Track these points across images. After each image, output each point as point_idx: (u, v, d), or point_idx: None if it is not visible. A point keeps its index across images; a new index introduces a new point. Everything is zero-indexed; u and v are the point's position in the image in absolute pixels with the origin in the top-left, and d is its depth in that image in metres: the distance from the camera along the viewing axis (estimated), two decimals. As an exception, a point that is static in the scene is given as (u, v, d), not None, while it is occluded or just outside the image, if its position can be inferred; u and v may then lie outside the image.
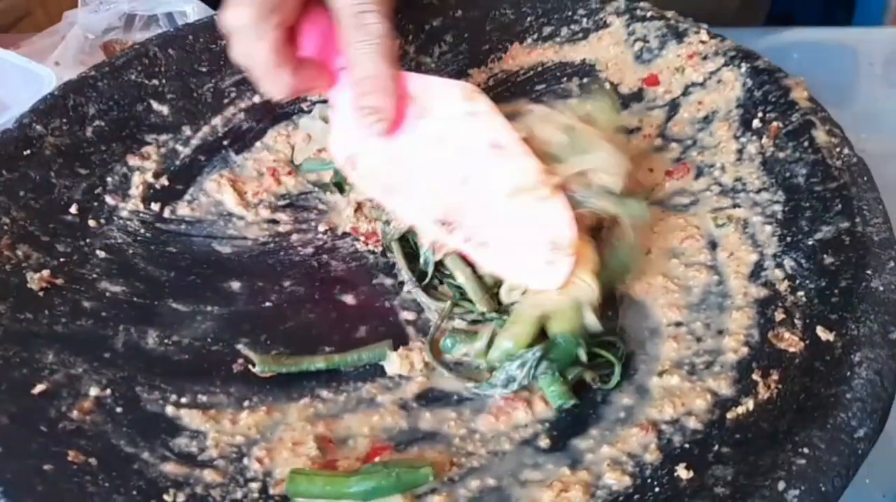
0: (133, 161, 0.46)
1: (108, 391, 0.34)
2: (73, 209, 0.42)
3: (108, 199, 0.44)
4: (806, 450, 0.29)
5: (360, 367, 0.36)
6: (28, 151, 0.43)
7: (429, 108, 0.38)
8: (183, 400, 0.34)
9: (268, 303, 0.40)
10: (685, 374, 0.35)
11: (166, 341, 0.37)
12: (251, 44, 0.36)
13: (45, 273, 0.38)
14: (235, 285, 0.41)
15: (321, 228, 0.44)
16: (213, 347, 0.37)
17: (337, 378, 0.36)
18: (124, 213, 0.44)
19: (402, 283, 0.40)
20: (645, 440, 0.32)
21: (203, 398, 0.35)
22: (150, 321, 0.38)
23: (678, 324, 0.37)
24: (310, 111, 0.51)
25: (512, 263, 0.36)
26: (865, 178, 0.39)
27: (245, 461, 0.32)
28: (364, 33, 0.37)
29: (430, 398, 0.35)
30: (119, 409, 0.34)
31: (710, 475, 0.29)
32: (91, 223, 0.42)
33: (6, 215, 0.40)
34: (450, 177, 0.37)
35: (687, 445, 0.31)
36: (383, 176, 0.38)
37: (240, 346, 0.37)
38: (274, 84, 0.37)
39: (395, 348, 0.37)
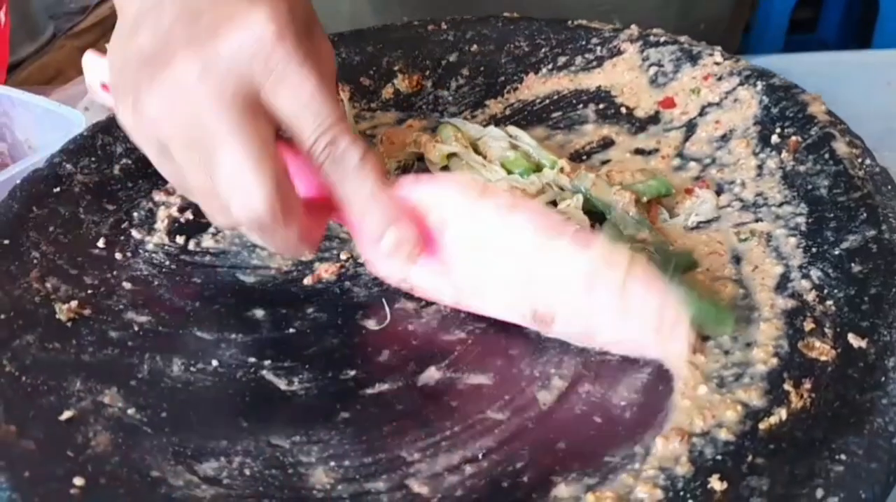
0: (158, 197, 0.47)
1: (135, 417, 0.34)
2: (101, 243, 0.43)
3: (135, 233, 0.45)
4: (843, 457, 0.28)
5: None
6: (58, 189, 0.45)
7: (444, 218, 0.36)
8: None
9: (291, 330, 0.40)
10: (714, 387, 0.34)
11: (191, 368, 0.37)
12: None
13: (73, 304, 0.39)
14: (259, 313, 0.41)
15: (343, 256, 0.44)
16: (237, 373, 0.37)
17: (361, 400, 0.36)
18: (150, 246, 0.44)
19: (423, 306, 0.40)
20: (676, 452, 0.31)
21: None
22: (175, 349, 0.38)
23: (705, 338, 0.37)
24: (330, 145, 0.52)
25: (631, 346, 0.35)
26: (889, 187, 0.39)
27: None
28: (344, 167, 0.34)
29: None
30: (145, 433, 0.34)
31: (746, 486, 0.29)
32: (118, 256, 0.43)
33: (36, 249, 0.41)
34: (512, 274, 0.36)
35: (719, 457, 0.31)
36: (444, 288, 0.38)
37: (264, 372, 0.37)
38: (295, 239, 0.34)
39: (420, 370, 0.37)
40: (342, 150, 0.33)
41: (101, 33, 1.38)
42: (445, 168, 0.47)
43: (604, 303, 0.34)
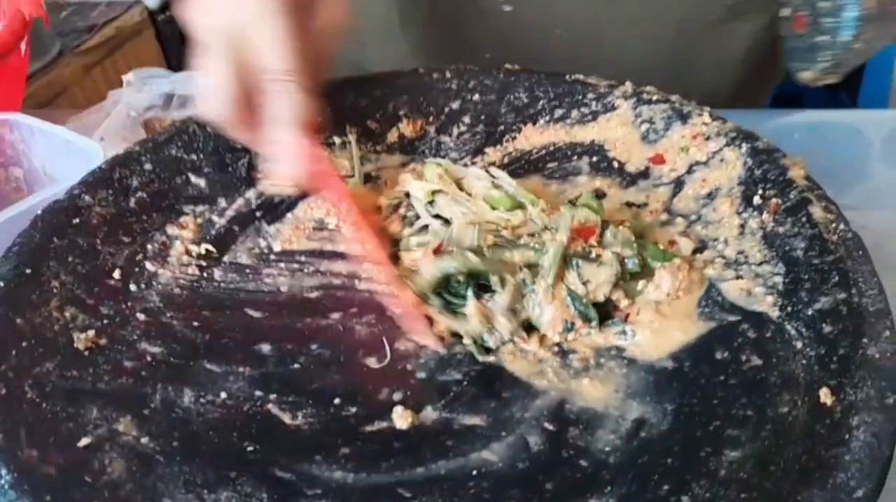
0: (172, 230, 0.50)
1: (148, 445, 0.36)
2: (117, 274, 0.45)
3: (149, 266, 0.47)
4: (808, 509, 0.30)
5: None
6: (77, 220, 0.47)
7: None
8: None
9: (296, 365, 0.42)
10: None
11: (201, 400, 0.40)
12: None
13: (90, 333, 0.41)
14: (266, 348, 0.43)
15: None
16: (244, 406, 0.39)
17: (361, 436, 0.38)
18: (163, 279, 0.47)
19: (422, 347, 0.43)
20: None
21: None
22: (186, 380, 0.41)
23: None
24: (341, 184, 0.55)
25: None
26: (861, 252, 0.42)
27: (277, 513, 0.34)
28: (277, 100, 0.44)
29: (450, 457, 0.37)
30: (158, 461, 0.36)
31: (718, 532, 0.31)
32: (132, 288, 0.45)
33: (56, 279, 0.43)
34: None
35: (695, 504, 0.33)
36: None
37: (270, 406, 0.40)
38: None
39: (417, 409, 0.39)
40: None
41: (107, 52, 1.41)
42: (431, 203, 0.50)
43: None
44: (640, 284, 0.44)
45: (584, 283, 0.42)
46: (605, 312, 0.43)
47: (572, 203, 0.49)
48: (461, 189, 0.50)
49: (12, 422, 0.35)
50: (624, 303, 0.43)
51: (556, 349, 0.42)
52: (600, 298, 0.43)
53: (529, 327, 0.43)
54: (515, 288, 0.43)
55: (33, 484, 0.32)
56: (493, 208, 0.48)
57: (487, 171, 0.51)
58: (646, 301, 0.43)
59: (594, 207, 0.47)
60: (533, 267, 0.44)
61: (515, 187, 0.50)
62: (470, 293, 0.43)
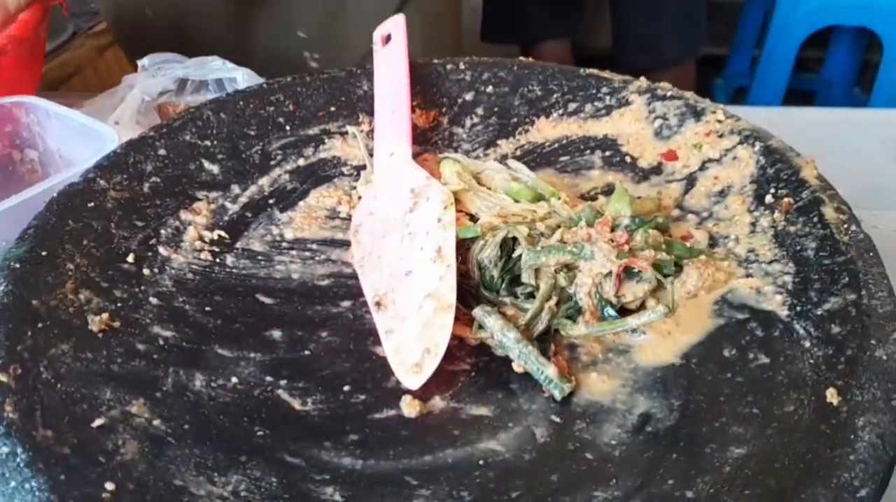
0: (185, 215, 0.50)
1: (160, 427, 0.37)
2: (130, 258, 0.46)
3: (162, 250, 0.47)
4: (812, 507, 0.31)
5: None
6: (92, 204, 0.47)
7: (419, 204, 0.46)
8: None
9: (306, 352, 0.42)
10: (698, 433, 0.37)
11: (212, 384, 0.40)
12: None
13: (104, 316, 0.41)
14: (277, 334, 0.43)
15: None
16: (254, 391, 0.40)
17: (369, 424, 0.38)
18: (175, 264, 0.47)
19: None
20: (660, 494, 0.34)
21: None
22: (197, 364, 0.41)
23: (692, 386, 0.39)
24: (350, 174, 0.55)
25: (395, 356, 0.41)
26: (871, 254, 0.42)
27: (283, 498, 0.34)
28: None
29: (457, 447, 0.37)
30: (170, 443, 0.36)
31: (721, 528, 0.31)
32: (145, 272, 0.46)
33: (71, 262, 0.43)
34: (402, 266, 0.44)
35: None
36: (361, 250, 0.48)
37: (279, 391, 0.40)
38: None
39: (425, 399, 0.39)
40: None
41: (120, 34, 1.41)
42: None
43: (423, 313, 0.43)
44: (667, 281, 0.43)
45: (618, 297, 0.42)
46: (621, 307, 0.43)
47: (592, 199, 0.49)
48: (479, 183, 0.50)
49: (27, 403, 0.35)
50: (651, 303, 0.42)
51: (564, 343, 0.42)
52: (631, 306, 0.43)
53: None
54: (549, 287, 0.42)
55: (48, 464, 0.33)
56: (516, 201, 0.48)
57: (504, 164, 0.52)
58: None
59: (627, 201, 0.46)
60: (570, 268, 0.43)
61: (535, 179, 0.50)
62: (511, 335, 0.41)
